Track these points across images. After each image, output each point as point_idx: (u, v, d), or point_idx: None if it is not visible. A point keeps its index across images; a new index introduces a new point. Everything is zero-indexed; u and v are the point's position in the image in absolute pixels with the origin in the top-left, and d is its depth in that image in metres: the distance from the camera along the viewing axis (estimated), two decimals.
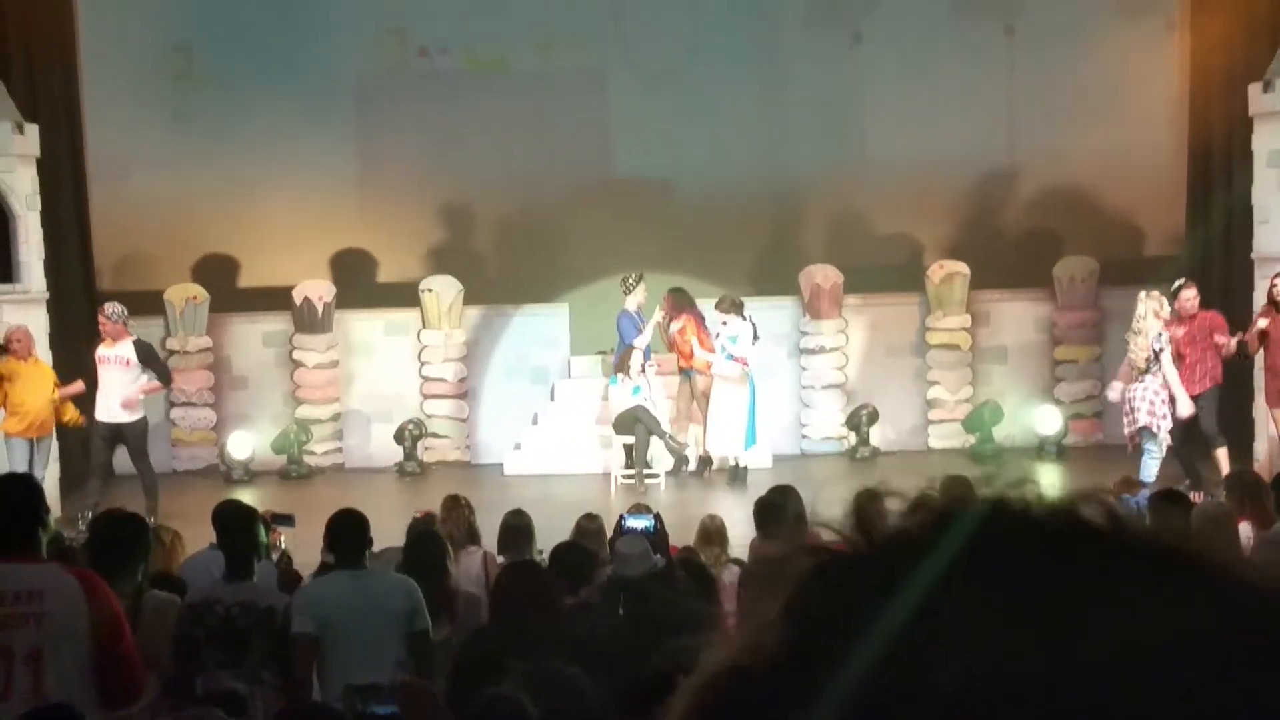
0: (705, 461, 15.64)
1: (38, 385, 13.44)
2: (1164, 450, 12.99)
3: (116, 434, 13.62)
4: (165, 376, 14.18)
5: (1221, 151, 16.31)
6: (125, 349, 13.69)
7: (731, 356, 15.13)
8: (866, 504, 0.85)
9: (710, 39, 17.53)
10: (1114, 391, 13.37)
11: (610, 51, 17.74)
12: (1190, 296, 13.49)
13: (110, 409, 13.57)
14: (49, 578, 5.25)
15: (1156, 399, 12.92)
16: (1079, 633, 0.76)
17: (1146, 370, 12.99)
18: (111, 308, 13.82)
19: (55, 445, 13.92)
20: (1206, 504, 8.14)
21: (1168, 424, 12.91)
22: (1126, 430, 13.23)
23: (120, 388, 13.57)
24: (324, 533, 8.54)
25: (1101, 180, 17.27)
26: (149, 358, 13.85)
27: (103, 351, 13.73)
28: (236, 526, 6.97)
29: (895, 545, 0.82)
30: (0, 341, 13.54)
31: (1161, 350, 12.90)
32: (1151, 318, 12.99)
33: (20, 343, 13.48)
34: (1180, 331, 13.33)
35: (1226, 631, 0.76)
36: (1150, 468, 12.87)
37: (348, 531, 7.05)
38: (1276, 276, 13.15)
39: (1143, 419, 12.97)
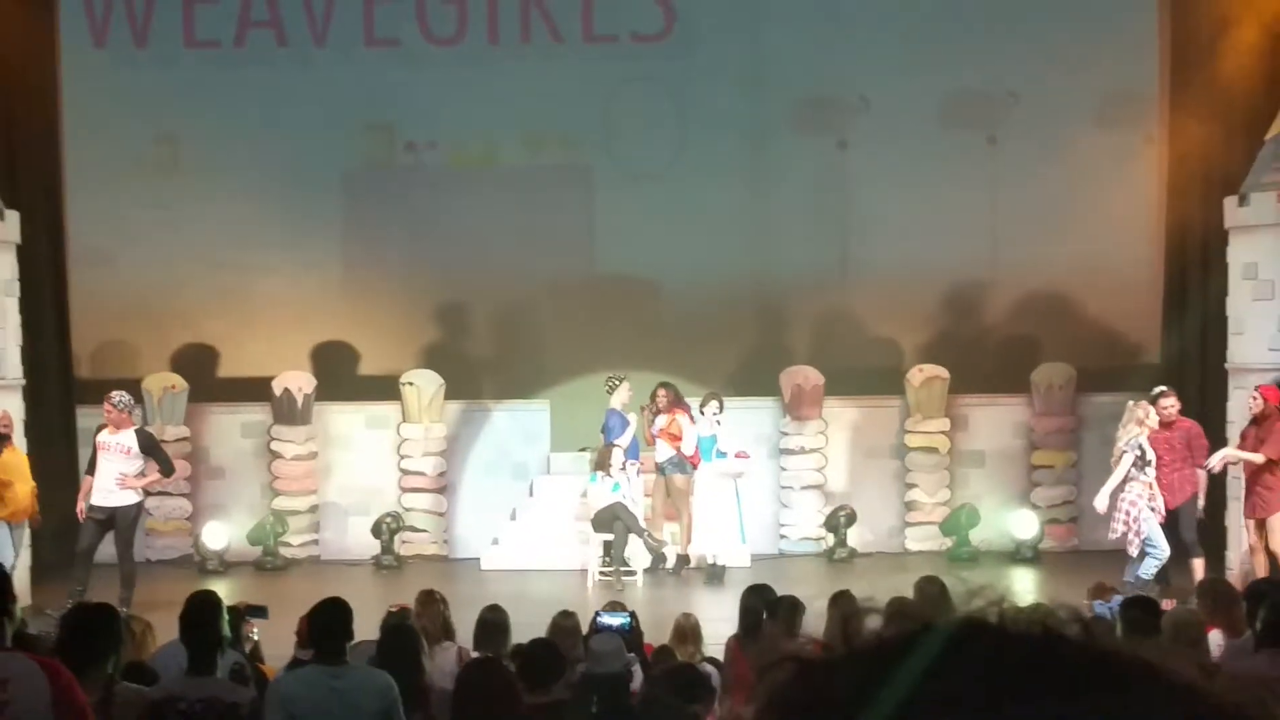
0: (683, 560, 15.61)
1: (24, 472, 13.40)
2: (1164, 551, 13.01)
3: (109, 518, 13.54)
4: (168, 467, 14.11)
5: (1197, 263, 16.50)
6: (128, 438, 13.67)
7: (723, 454, 15.25)
8: (845, 611, 0.90)
9: (697, 140, 17.69)
10: (1100, 500, 13.41)
11: (597, 149, 17.87)
12: (1170, 405, 13.56)
13: (106, 493, 13.52)
14: (13, 666, 5.20)
15: (1133, 509, 12.96)
16: None
17: (1132, 478, 13.05)
18: (118, 396, 13.82)
19: (27, 533, 13.83)
20: (1178, 611, 8.16)
21: (1146, 531, 12.93)
22: (1111, 537, 13.26)
23: (119, 474, 13.55)
24: (301, 624, 8.49)
25: (1080, 288, 17.42)
26: (151, 447, 13.82)
27: (105, 438, 13.69)
28: (199, 620, 6.75)
29: (872, 655, 0.85)
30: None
31: (1125, 453, 12.97)
32: (1133, 424, 13.07)
33: (6, 428, 13.48)
34: (1157, 438, 13.42)
35: None
36: (1150, 566, 12.90)
37: (330, 624, 6.86)
38: (1255, 392, 13.25)
39: (1119, 529, 13.02)
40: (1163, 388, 13.91)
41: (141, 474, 13.74)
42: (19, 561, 13.21)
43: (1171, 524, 13.29)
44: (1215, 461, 13.34)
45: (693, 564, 15.57)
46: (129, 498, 13.64)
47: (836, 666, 0.86)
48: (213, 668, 6.63)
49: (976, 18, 17.51)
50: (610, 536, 15.02)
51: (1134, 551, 13.02)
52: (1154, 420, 13.15)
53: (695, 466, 15.40)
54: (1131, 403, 13.40)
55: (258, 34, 17.76)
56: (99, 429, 13.93)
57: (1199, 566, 13.24)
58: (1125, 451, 12.99)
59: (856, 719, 0.80)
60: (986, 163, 17.76)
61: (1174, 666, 0.84)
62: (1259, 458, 13.05)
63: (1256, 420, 13.14)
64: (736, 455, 15.45)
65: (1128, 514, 13.00)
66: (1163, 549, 13.01)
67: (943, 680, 0.81)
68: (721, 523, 15.30)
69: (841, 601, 8.68)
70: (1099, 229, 17.26)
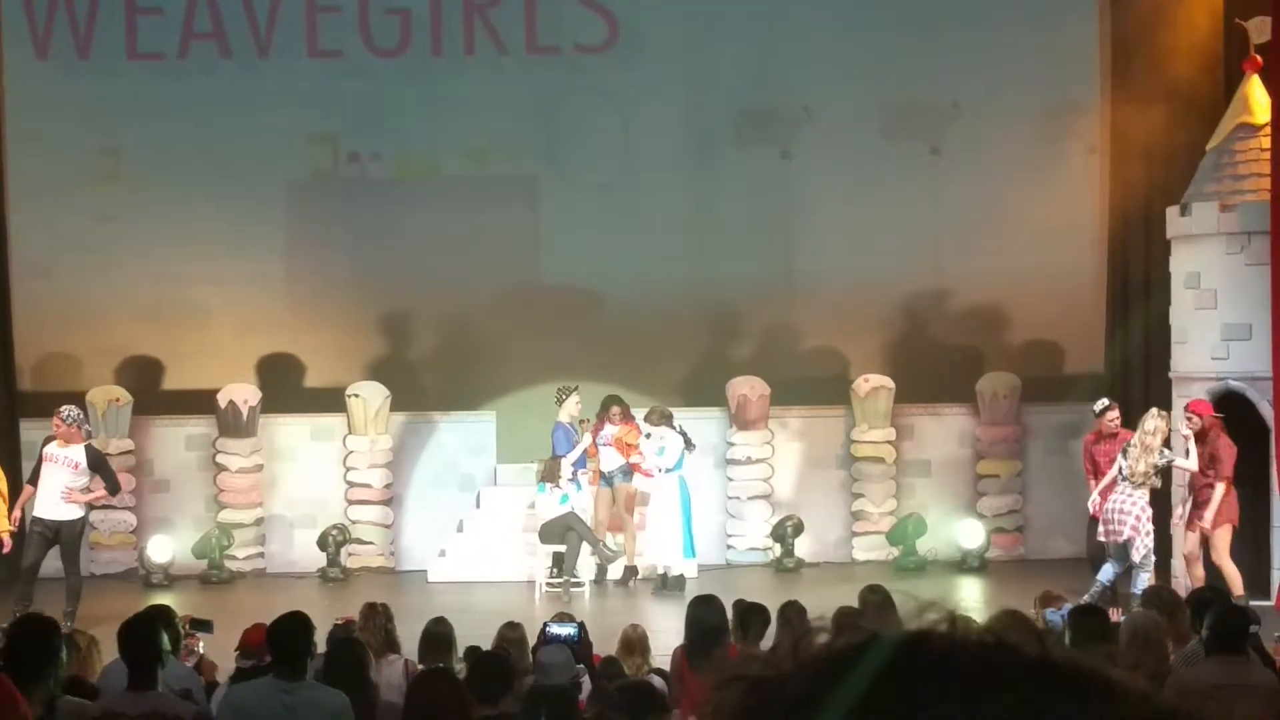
0: (631, 571, 15.62)
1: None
2: (1151, 561, 13.17)
3: (55, 532, 13.44)
4: (114, 485, 14.01)
5: (1140, 272, 16.63)
6: (77, 452, 13.59)
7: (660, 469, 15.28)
8: (796, 630, 0.89)
9: (641, 151, 17.70)
10: (1094, 504, 13.59)
11: (541, 160, 17.85)
12: (1114, 417, 13.84)
13: (51, 506, 13.44)
14: None
15: (1144, 515, 13.12)
16: None
17: (1142, 484, 13.20)
18: (68, 410, 13.74)
19: None
20: (1137, 615, 8.17)
21: (1150, 541, 13.11)
22: (1108, 540, 13.32)
23: (65, 488, 13.46)
24: (244, 635, 8.44)
25: (1024, 298, 17.51)
26: (99, 464, 13.75)
27: (53, 450, 13.59)
28: (136, 635, 6.69)
29: (820, 667, 0.86)
30: None
31: (1170, 461, 13.19)
32: (1159, 436, 13.26)
33: None
34: (1100, 450, 13.63)
35: None
36: (1143, 580, 13.02)
37: (292, 637, 6.77)
38: (1188, 408, 13.40)
39: (1127, 533, 13.13)
40: (1105, 401, 14.08)
41: (87, 489, 13.65)
42: None
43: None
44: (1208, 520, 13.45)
45: (640, 574, 15.58)
46: (74, 512, 13.57)
47: (785, 681, 0.87)
48: (153, 682, 6.55)
49: (918, 28, 17.58)
50: (560, 548, 15.02)
51: (1138, 557, 13.13)
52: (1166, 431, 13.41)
53: (648, 477, 15.44)
54: (1155, 411, 13.49)
55: (201, 45, 17.66)
56: (46, 440, 13.82)
57: (1146, 577, 13.36)
58: (1169, 461, 13.20)
59: None
60: (929, 172, 17.84)
61: (1124, 676, 0.86)
62: (1194, 467, 13.23)
63: (1198, 438, 13.25)
64: (643, 471, 15.48)
65: (1138, 518, 13.12)
66: (1149, 558, 13.21)
67: (890, 688, 0.82)
68: (672, 533, 15.31)
69: (789, 611, 8.70)
70: (1042, 239, 17.36)
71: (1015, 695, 0.82)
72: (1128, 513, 13.14)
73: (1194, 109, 15.84)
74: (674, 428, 15.29)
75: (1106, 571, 13.12)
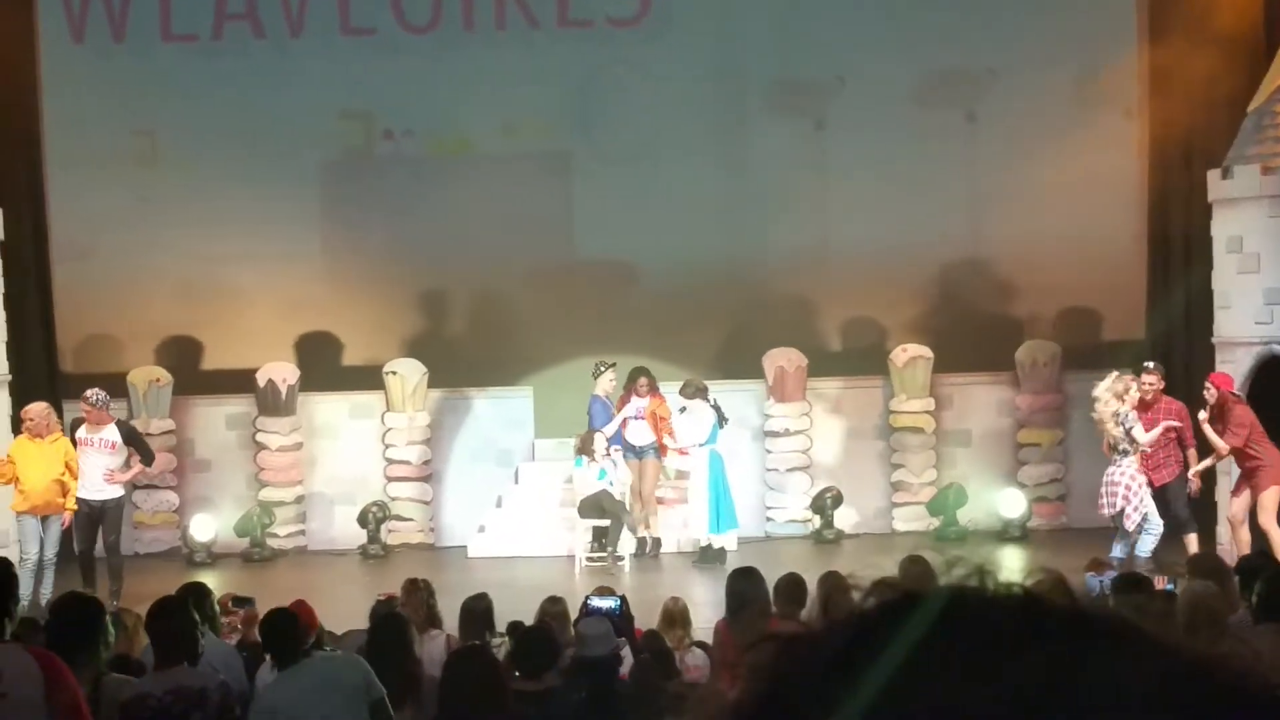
0: (656, 543, 15.65)
1: (45, 464, 13.37)
2: (1160, 527, 13.05)
3: (99, 512, 13.59)
4: (149, 456, 14.20)
5: (1181, 237, 16.47)
6: (110, 433, 13.76)
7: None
8: (827, 588, 0.91)
9: (674, 123, 17.62)
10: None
11: (574, 135, 17.81)
12: (1150, 381, 13.52)
13: (95, 488, 13.57)
14: (8, 659, 5.21)
15: (1134, 483, 12.99)
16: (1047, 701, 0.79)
17: (1126, 452, 13.07)
18: (95, 394, 13.84)
19: (57, 529, 13.64)
20: (1194, 586, 8.01)
21: (1145, 507, 12.98)
22: (1107, 512, 13.26)
23: (106, 469, 13.63)
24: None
25: (1063, 265, 17.33)
26: (133, 438, 13.98)
27: (85, 434, 13.72)
28: (163, 614, 6.84)
29: (852, 626, 0.86)
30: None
31: (1131, 427, 13.00)
32: (1111, 398, 13.06)
33: (34, 420, 13.46)
34: (1141, 417, 13.42)
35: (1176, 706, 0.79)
36: (1147, 544, 12.94)
37: (277, 633, 7.09)
38: (1208, 383, 13.25)
39: (1119, 503, 13.04)
40: (1149, 364, 13.87)
41: (126, 466, 13.79)
42: (47, 557, 13.19)
43: (1161, 501, 13.30)
44: (1194, 473, 13.36)
45: (663, 547, 15.61)
46: (116, 491, 13.72)
47: (820, 639, 0.87)
48: (179, 658, 6.64)
49: None
50: (601, 522, 15.03)
51: (1131, 526, 13.03)
52: (1134, 395, 13.14)
53: (682, 455, 15.43)
54: (1114, 375, 13.37)
55: (234, 26, 17.70)
56: (75, 425, 13.91)
57: (1192, 542, 13.26)
58: (1131, 427, 12.99)
59: (838, 693, 0.81)
60: (966, 140, 17.72)
61: (1162, 630, 0.86)
62: (1222, 445, 13.06)
63: (1217, 412, 13.13)
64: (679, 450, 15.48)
65: (1128, 488, 13.01)
66: (1158, 525, 13.04)
67: (928, 645, 0.82)
68: (696, 508, 15.33)
69: (829, 581, 8.68)
70: (1081, 205, 17.22)
71: (1052, 648, 0.81)
72: (1118, 483, 13.05)
73: (1234, 70, 15.67)
74: (708, 401, 15.25)
75: (1115, 550, 13.01)
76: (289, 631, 7.03)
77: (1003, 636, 0.82)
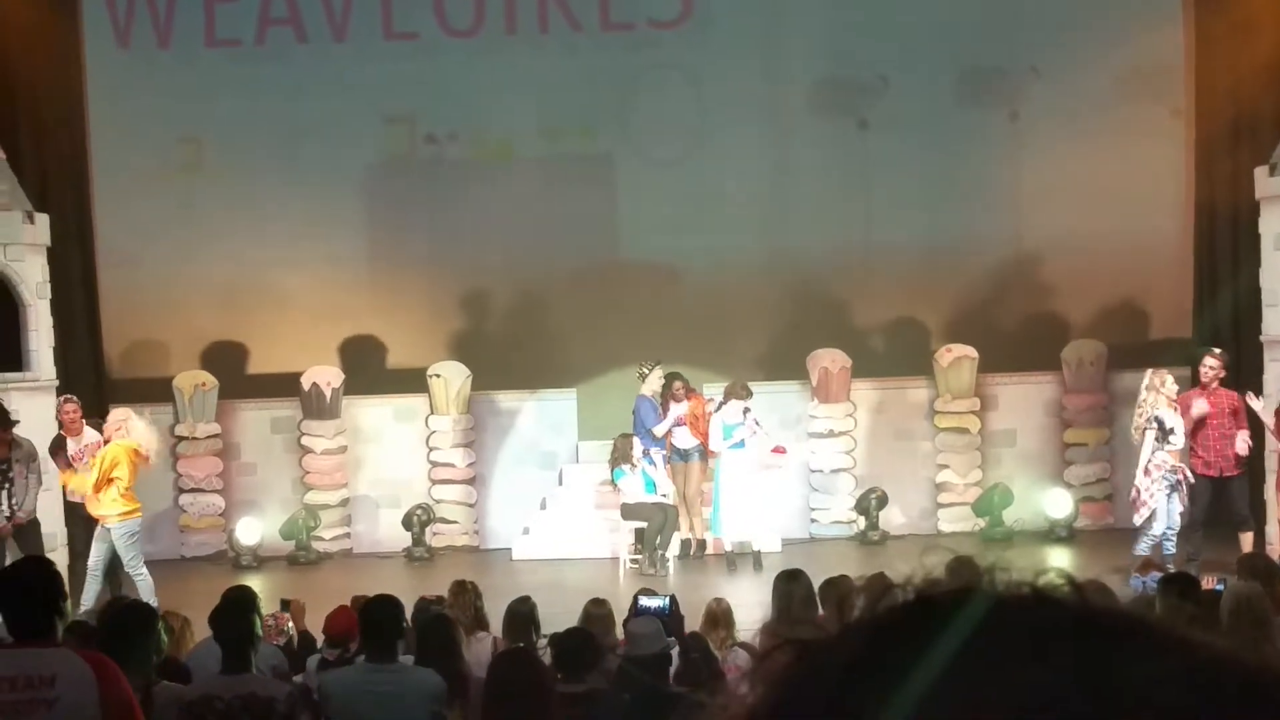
0: (700, 545, 15.60)
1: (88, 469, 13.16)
2: (1158, 528, 12.87)
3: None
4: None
5: (1228, 234, 16.34)
6: (90, 435, 13.69)
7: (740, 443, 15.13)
8: (841, 592, 0.91)
9: (717, 125, 17.63)
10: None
11: (617, 137, 17.82)
12: (1210, 365, 13.35)
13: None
14: (61, 663, 5.17)
15: (1144, 480, 12.87)
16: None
17: (1161, 445, 12.95)
18: (69, 403, 13.83)
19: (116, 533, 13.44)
20: (1239, 585, 7.90)
21: (1154, 503, 12.81)
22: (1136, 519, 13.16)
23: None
24: (328, 622, 8.47)
25: (1108, 264, 17.21)
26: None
27: (72, 448, 13.67)
28: (233, 616, 6.76)
29: (866, 632, 0.85)
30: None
31: (1146, 429, 12.87)
32: (1150, 394, 12.96)
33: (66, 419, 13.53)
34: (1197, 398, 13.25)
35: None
36: (1144, 544, 12.81)
37: (381, 621, 6.82)
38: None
39: (1132, 494, 12.98)
40: (1214, 349, 13.70)
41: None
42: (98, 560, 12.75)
43: (1221, 496, 13.12)
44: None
45: (709, 549, 15.54)
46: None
47: (832, 646, 0.86)
48: (247, 664, 6.58)
49: None
50: (642, 524, 14.99)
51: (1138, 521, 12.92)
52: (1171, 388, 13.00)
53: (713, 456, 15.36)
54: (1150, 371, 13.28)
55: (278, 31, 17.80)
56: (57, 446, 13.65)
57: (1247, 540, 13.10)
58: (1146, 429, 12.87)
59: (854, 699, 0.81)
60: (1009, 139, 17.64)
61: (1190, 632, 0.84)
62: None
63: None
64: (774, 450, 15.36)
65: (1138, 483, 12.90)
66: (1158, 527, 12.84)
67: (945, 650, 0.81)
68: (752, 510, 15.19)
69: (842, 585, 8.65)
70: (1126, 203, 17.12)
71: (1057, 649, 0.81)
72: (1137, 478, 12.95)
73: None
74: (744, 404, 15.07)
75: (1143, 542, 12.86)
76: (389, 621, 6.84)
77: (1014, 638, 0.81)
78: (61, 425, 13.89)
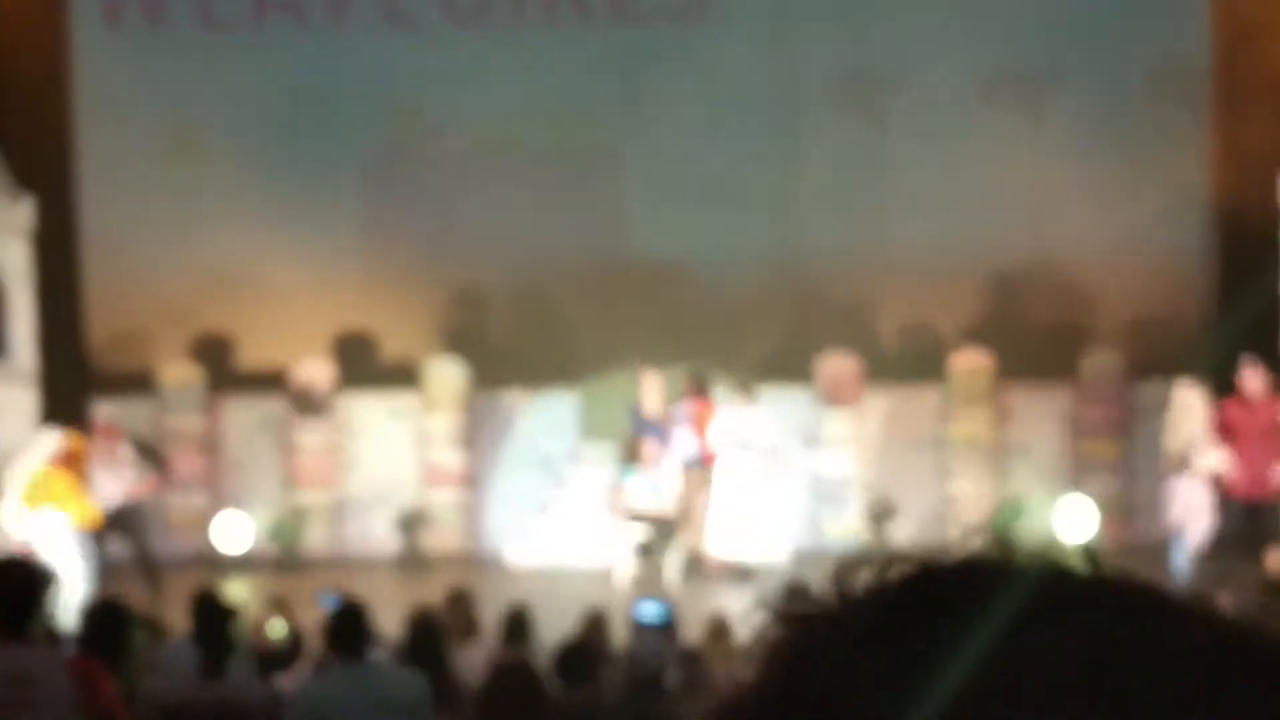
0: (703, 555, 15.39)
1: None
2: (1190, 548, 12.75)
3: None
4: None
5: (1251, 243, 16.19)
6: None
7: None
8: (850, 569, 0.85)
9: (728, 120, 17.39)
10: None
11: (625, 130, 17.61)
12: (1249, 377, 13.21)
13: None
14: (41, 663, 5.25)
15: (1177, 498, 12.76)
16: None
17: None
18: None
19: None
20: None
21: (1201, 525, 12.68)
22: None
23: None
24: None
25: (1128, 271, 17.04)
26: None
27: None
28: (212, 623, 6.77)
29: (876, 602, 0.83)
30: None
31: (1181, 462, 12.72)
32: (1181, 410, 12.83)
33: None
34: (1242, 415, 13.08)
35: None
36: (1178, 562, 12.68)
37: (345, 625, 6.76)
38: None
39: (1174, 514, 12.84)
40: (1254, 359, 13.55)
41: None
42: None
43: (1254, 512, 12.93)
44: None
45: (711, 559, 15.36)
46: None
47: (839, 617, 0.83)
48: (225, 669, 6.61)
49: None
50: (644, 529, 14.94)
51: (1173, 535, 12.81)
52: (1200, 413, 12.86)
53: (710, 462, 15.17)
54: (1177, 388, 13.05)
55: (276, 15, 17.57)
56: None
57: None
58: (1181, 463, 12.69)
59: (866, 669, 0.78)
60: (1030, 142, 17.44)
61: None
62: None
63: None
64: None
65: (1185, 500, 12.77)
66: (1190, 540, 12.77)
67: (957, 617, 0.78)
68: (747, 520, 15.05)
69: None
70: (1147, 210, 16.94)
71: (1092, 619, 0.78)
72: (1176, 494, 12.84)
73: None
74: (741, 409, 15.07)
75: (1177, 559, 12.73)
76: (355, 626, 6.74)
77: (1032, 609, 0.78)
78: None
